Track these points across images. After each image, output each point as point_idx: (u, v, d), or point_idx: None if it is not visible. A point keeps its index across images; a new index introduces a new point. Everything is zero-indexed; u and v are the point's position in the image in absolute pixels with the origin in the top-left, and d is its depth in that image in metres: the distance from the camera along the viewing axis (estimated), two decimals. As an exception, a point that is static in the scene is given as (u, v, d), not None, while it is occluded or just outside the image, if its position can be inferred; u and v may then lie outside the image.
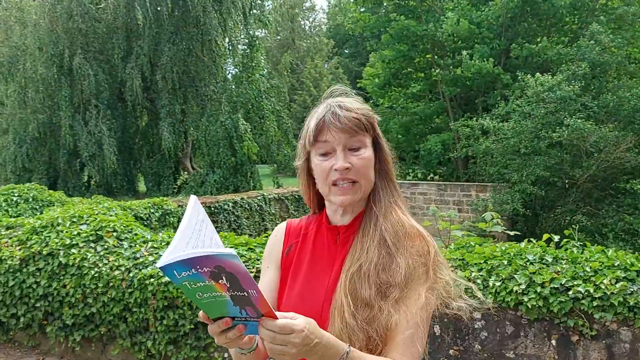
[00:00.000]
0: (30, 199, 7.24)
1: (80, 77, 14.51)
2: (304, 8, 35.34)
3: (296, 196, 12.10)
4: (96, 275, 4.17)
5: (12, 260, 4.48)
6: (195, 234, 0.99)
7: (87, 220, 4.72)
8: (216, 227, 5.13)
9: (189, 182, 15.23)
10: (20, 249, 4.56)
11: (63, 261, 4.37)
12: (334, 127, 1.19)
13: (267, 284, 1.33)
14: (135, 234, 4.54)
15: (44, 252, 4.44)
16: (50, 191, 7.96)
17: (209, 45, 14.90)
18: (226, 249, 0.92)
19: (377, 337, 1.13)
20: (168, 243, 4.38)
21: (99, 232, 4.53)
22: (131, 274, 4.08)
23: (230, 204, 10.04)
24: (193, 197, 1.06)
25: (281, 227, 1.39)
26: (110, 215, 4.92)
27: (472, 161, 16.81)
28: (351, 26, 20.28)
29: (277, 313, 1.00)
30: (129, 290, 4.02)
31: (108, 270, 4.15)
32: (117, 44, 14.93)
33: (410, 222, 1.24)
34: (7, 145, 15.98)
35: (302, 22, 34.27)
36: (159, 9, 14.24)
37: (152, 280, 4.00)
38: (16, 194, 7.14)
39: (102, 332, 4.27)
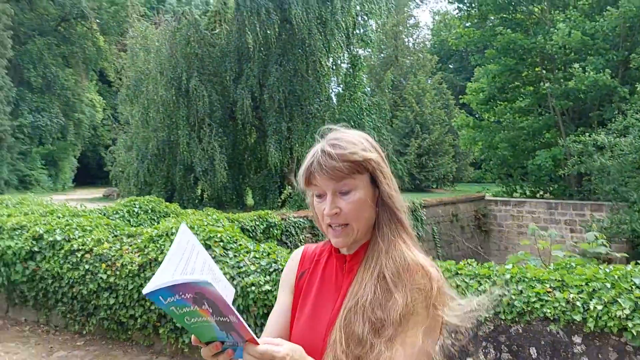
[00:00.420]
0: (149, 210, 7.93)
1: (196, 98, 15.60)
2: (408, 25, 35.31)
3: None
4: (204, 281, 4.51)
5: (131, 266, 4.97)
6: (184, 261, 1.02)
7: (197, 230, 5.12)
8: (311, 242, 5.33)
9: (293, 196, 15.75)
10: (139, 256, 5.05)
11: (176, 267, 4.77)
12: (320, 175, 1.20)
13: (280, 307, 1.36)
14: (240, 245, 4.85)
15: (159, 259, 4.88)
16: (167, 203, 8.65)
17: (313, 65, 15.43)
18: (202, 277, 0.97)
19: None
20: (269, 254, 4.64)
21: (207, 242, 4.89)
22: (235, 282, 4.37)
23: (330, 219, 10.25)
24: (182, 225, 1.10)
25: (298, 252, 1.41)
26: (218, 227, 5.30)
27: (587, 178, 15.79)
28: (455, 41, 19.99)
29: (262, 339, 1.04)
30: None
31: (214, 277, 4.47)
32: (229, 67, 15.89)
33: (413, 256, 1.20)
34: (131, 161, 17.51)
35: (406, 40, 34.21)
36: (268, 32, 14.98)
37: (253, 288, 4.26)
38: (137, 206, 7.86)
39: (208, 335, 4.59)
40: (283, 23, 15.29)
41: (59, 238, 5.50)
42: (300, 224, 9.46)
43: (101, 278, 5.11)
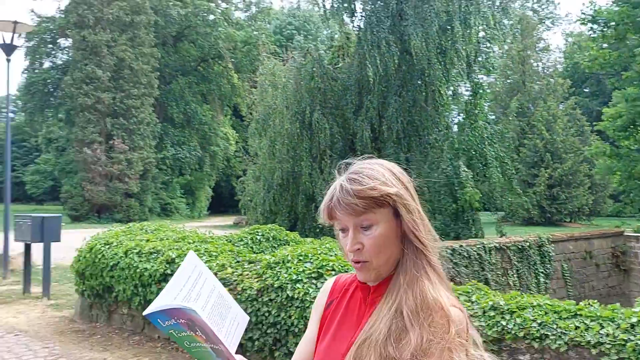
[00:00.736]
0: (271, 238, 8.35)
1: (318, 131, 16.22)
2: (536, 49, 33.78)
3: (520, 246, 11.48)
4: (315, 309, 4.67)
5: (250, 290, 5.29)
6: (188, 286, 1.04)
7: (311, 259, 5.33)
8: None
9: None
10: (257, 281, 5.36)
11: (290, 294, 5.00)
12: (339, 211, 1.20)
13: (308, 336, 1.37)
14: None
15: (275, 285, 5.14)
16: (287, 232, 9.05)
17: (432, 95, 15.38)
18: (189, 303, 0.99)
19: None
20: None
21: (319, 270, 5.07)
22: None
23: (449, 251, 10.04)
24: (190, 253, 1.13)
25: (330, 281, 1.42)
26: (331, 256, 5.46)
27: None
28: (588, 64, 18.79)
29: None
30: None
31: (325, 306, 4.62)
32: (350, 100, 16.36)
33: (435, 294, 1.16)
34: (259, 191, 18.53)
35: (535, 64, 32.69)
36: (387, 64, 15.23)
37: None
38: (260, 234, 8.32)
39: (318, 362, 4.72)
40: (403, 54, 15.46)
41: (188, 262, 6.02)
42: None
43: (223, 301, 5.49)
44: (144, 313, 1.01)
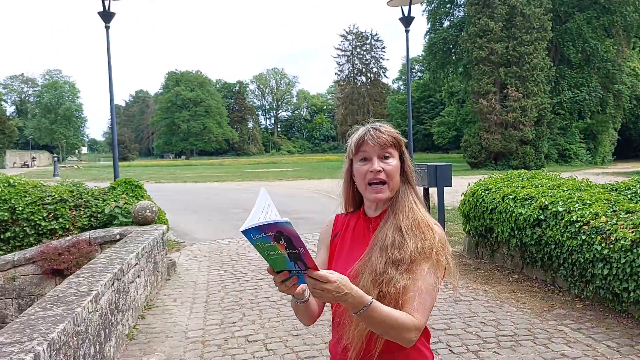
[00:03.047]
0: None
1: None
2: None
3: None
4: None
5: (624, 241, 5.10)
6: (264, 212, 1.35)
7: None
8: None
9: None
10: (632, 232, 5.12)
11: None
12: (371, 141, 1.65)
13: (320, 261, 1.77)
14: None
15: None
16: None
17: None
18: (284, 218, 1.30)
19: (388, 295, 1.52)
20: None
21: None
22: None
23: None
24: (262, 189, 1.45)
25: (331, 219, 1.85)
26: None
27: None
28: None
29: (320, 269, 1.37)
30: None
31: None
32: None
33: (423, 216, 1.64)
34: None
35: None
36: None
37: None
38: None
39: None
40: None
41: (560, 209, 6.14)
42: None
43: (596, 249, 5.46)
44: (241, 229, 1.31)
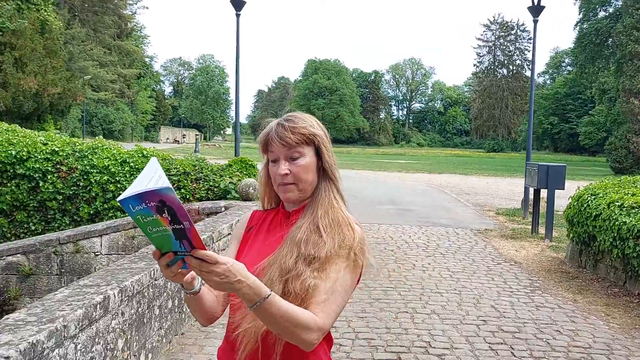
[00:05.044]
0: None
1: None
2: None
3: None
4: None
5: None
6: (152, 182, 1.15)
7: None
8: None
9: None
10: None
11: None
12: (275, 143, 1.53)
13: (228, 256, 1.54)
14: None
15: None
16: None
17: None
18: (165, 184, 1.11)
19: (293, 292, 1.39)
20: None
21: None
22: None
23: None
24: (153, 158, 1.24)
25: (247, 214, 1.74)
26: None
27: None
28: None
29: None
30: None
31: None
32: None
33: (343, 213, 1.53)
34: None
35: None
36: None
37: None
38: None
39: None
40: None
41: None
42: None
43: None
44: (118, 199, 1.12)
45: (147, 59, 79.10)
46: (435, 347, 4.66)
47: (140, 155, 9.47)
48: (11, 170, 8.35)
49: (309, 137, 1.54)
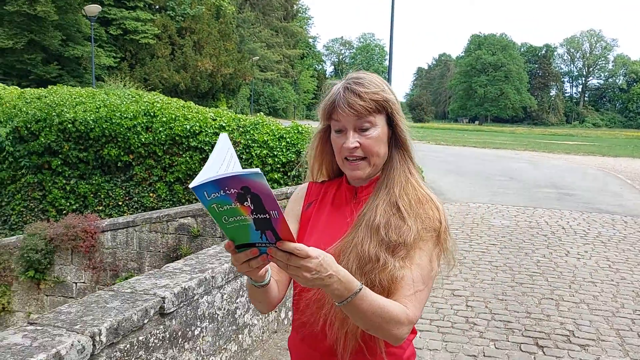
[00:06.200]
0: None
1: None
2: None
3: None
4: None
5: None
6: (225, 164, 1.03)
7: None
8: None
9: None
10: None
11: None
12: (343, 111, 1.30)
13: None
14: None
15: None
16: None
17: None
18: (252, 169, 0.94)
19: (378, 285, 1.23)
20: None
21: None
22: None
23: None
24: (223, 135, 1.10)
25: (303, 186, 1.51)
26: None
27: None
28: None
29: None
30: None
31: None
32: None
33: (423, 190, 1.34)
34: None
35: None
36: None
37: None
38: None
39: None
40: None
41: None
42: None
43: None
44: (191, 186, 0.97)
45: (310, 40, 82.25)
46: (578, 337, 4.39)
47: (296, 131, 10.03)
48: (186, 143, 9.41)
49: (382, 104, 1.32)
